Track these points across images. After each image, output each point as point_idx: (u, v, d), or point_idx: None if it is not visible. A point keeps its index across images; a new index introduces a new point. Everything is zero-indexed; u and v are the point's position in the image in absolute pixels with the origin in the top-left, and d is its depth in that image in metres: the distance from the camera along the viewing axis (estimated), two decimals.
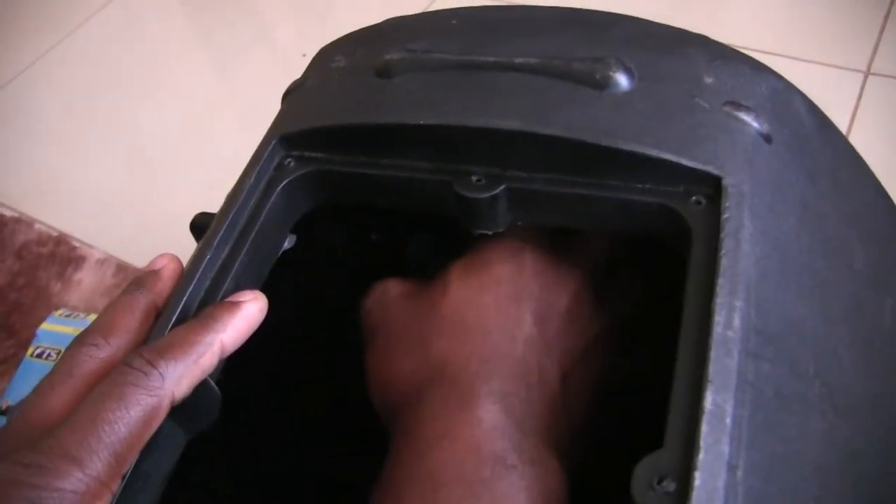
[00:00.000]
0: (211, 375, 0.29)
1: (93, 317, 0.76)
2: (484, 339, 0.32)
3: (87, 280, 0.85)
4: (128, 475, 0.26)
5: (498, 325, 0.32)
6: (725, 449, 0.23)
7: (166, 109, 1.13)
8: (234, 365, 0.31)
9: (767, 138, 0.31)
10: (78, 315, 0.76)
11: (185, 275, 0.31)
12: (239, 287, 0.32)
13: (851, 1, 1.07)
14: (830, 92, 0.95)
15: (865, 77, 0.96)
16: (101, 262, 0.87)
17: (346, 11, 1.27)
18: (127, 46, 1.27)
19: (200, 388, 0.28)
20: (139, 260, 0.88)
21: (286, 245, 0.35)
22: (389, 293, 0.37)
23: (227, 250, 0.32)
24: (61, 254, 0.88)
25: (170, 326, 0.29)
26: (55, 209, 0.98)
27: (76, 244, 0.90)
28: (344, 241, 0.47)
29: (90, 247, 0.90)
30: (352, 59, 0.37)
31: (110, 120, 1.13)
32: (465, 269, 0.35)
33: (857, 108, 0.93)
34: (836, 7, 1.07)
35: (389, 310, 0.36)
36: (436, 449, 0.29)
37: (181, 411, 0.28)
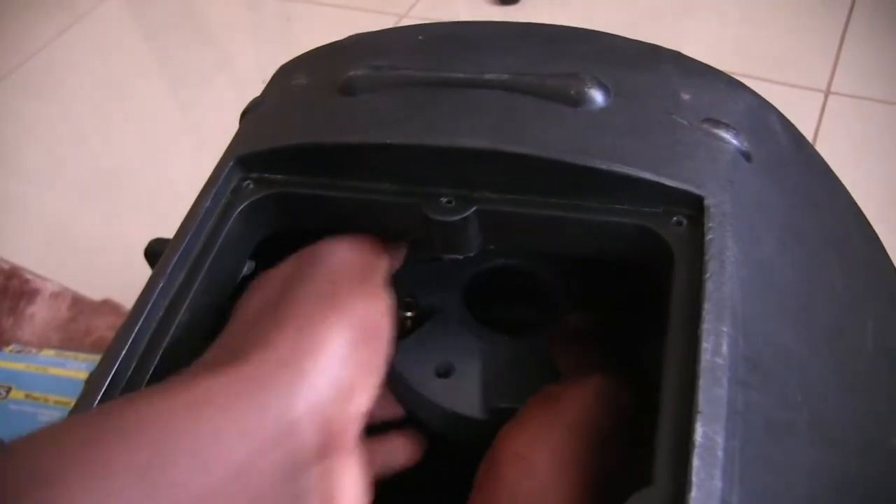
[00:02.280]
0: None
1: (46, 352, 0.73)
2: None
3: (40, 314, 0.82)
4: None
5: None
6: (719, 484, 0.21)
7: (123, 137, 1.11)
8: None
9: (747, 156, 0.30)
10: (30, 351, 0.73)
11: (137, 304, 0.29)
12: (194, 317, 0.30)
13: (808, 21, 1.09)
14: (791, 112, 0.96)
15: (826, 96, 0.97)
16: (56, 295, 0.84)
17: (307, 37, 1.26)
18: (84, 74, 1.25)
19: None
20: (96, 292, 0.85)
21: (245, 272, 0.33)
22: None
23: (181, 278, 0.30)
24: (13, 287, 0.85)
25: (119, 359, 0.27)
26: (7, 241, 0.95)
27: (29, 277, 0.87)
28: None
29: (44, 279, 0.87)
30: (313, 76, 0.35)
31: (65, 148, 1.10)
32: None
33: (818, 127, 0.93)
34: (794, 27, 1.09)
35: None
36: None
37: None
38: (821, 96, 0.98)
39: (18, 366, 0.68)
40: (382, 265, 0.31)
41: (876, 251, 0.41)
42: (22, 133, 1.14)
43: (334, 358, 0.25)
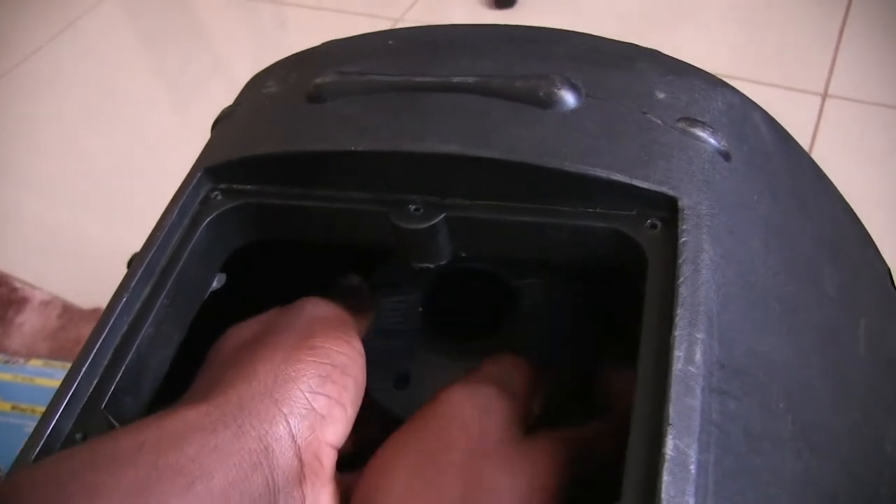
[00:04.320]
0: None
1: (34, 362, 0.72)
2: None
3: (29, 323, 0.82)
4: None
5: None
6: (690, 500, 0.21)
7: (117, 143, 1.10)
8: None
9: (726, 155, 0.29)
10: (18, 361, 0.72)
11: (100, 319, 0.29)
12: (160, 331, 0.29)
13: (804, 24, 1.08)
14: (789, 115, 0.95)
15: (823, 99, 0.96)
16: (46, 303, 0.84)
17: (302, 42, 1.25)
18: (78, 78, 1.25)
19: None
20: (87, 301, 0.84)
21: (215, 285, 0.32)
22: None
23: (146, 291, 0.29)
24: (2, 295, 0.84)
25: (80, 376, 0.27)
26: None
27: (18, 285, 0.86)
28: (286, 279, 0.44)
29: (34, 287, 0.87)
30: (284, 84, 0.34)
31: (57, 154, 1.10)
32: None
33: (816, 130, 0.92)
34: (790, 30, 1.08)
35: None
36: None
37: None
38: (818, 99, 0.97)
39: (5, 376, 0.68)
40: (353, 321, 0.32)
41: (868, 251, 0.40)
42: (14, 137, 1.14)
43: (305, 390, 0.27)
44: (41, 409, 0.67)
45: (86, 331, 0.83)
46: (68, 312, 0.82)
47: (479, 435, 0.29)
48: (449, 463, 0.28)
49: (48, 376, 0.69)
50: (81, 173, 1.06)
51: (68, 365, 0.70)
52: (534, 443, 0.29)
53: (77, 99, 1.20)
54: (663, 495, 0.20)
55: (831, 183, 0.40)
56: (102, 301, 0.29)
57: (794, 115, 0.92)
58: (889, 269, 0.42)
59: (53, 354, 0.78)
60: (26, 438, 0.63)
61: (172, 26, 1.35)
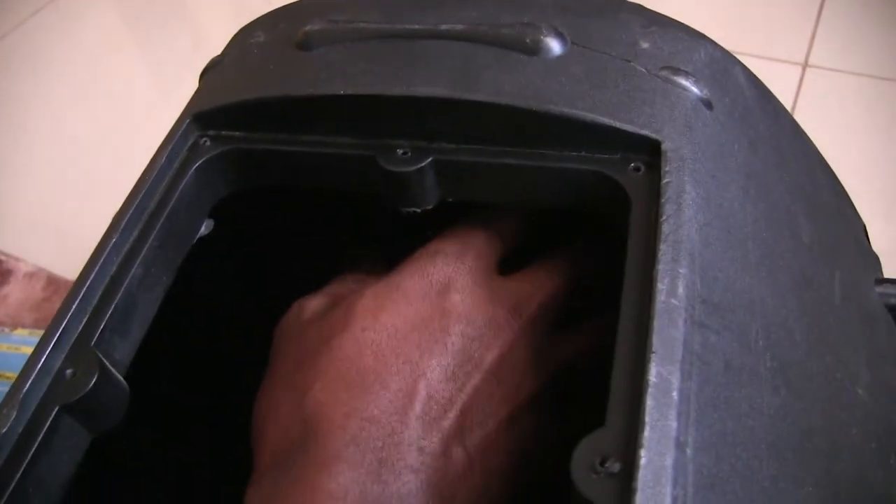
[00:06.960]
0: (118, 368, 0.27)
1: (19, 332, 0.72)
2: (377, 393, 0.27)
3: (14, 295, 0.81)
4: (17, 478, 0.23)
5: (399, 379, 0.27)
6: (673, 424, 0.21)
7: (99, 117, 1.09)
8: (145, 359, 0.29)
9: (708, 104, 0.30)
10: (3, 331, 0.72)
11: (90, 259, 0.29)
12: (149, 272, 0.29)
13: None
14: (770, 84, 0.96)
15: (803, 69, 0.97)
16: (30, 275, 0.83)
17: None
18: (60, 53, 1.23)
19: (104, 380, 0.26)
20: (71, 273, 0.84)
21: (203, 230, 0.32)
22: (303, 314, 0.32)
23: (135, 234, 0.30)
24: None
25: (69, 314, 0.27)
26: None
27: (2, 257, 0.86)
28: (277, 232, 0.44)
29: (18, 260, 0.86)
30: (272, 33, 0.35)
31: (40, 127, 1.09)
32: (377, 301, 0.29)
33: (796, 100, 0.93)
34: (772, 1, 1.08)
35: (292, 334, 0.31)
36: None
37: (83, 406, 0.25)
38: (798, 69, 0.98)
39: None
40: None
41: (844, 207, 0.41)
42: None
43: None
44: None
45: None
46: (53, 284, 0.82)
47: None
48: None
49: (33, 345, 0.68)
50: (64, 148, 1.05)
51: None
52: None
53: (60, 74, 1.19)
54: (647, 418, 0.21)
55: (809, 139, 0.40)
56: None
57: (774, 84, 0.93)
58: (864, 225, 0.43)
59: (38, 325, 0.78)
60: None
61: (156, 2, 1.34)
